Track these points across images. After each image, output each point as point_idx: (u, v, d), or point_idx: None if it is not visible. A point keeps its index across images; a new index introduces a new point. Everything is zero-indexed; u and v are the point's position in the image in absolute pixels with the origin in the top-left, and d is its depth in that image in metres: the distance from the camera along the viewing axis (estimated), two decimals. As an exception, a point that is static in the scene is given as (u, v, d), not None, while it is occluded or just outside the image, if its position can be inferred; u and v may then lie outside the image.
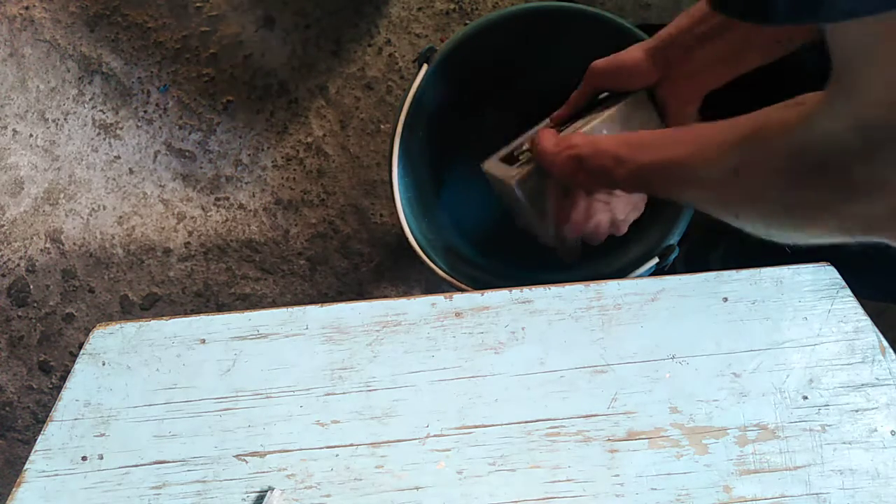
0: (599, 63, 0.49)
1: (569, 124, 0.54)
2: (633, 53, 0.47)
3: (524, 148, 0.56)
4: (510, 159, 0.57)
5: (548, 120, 0.56)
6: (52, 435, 0.44)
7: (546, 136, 0.49)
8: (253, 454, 0.43)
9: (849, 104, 0.26)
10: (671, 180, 0.40)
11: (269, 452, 0.43)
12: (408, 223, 0.62)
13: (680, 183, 0.39)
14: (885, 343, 0.45)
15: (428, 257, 0.61)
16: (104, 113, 1.05)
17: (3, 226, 1.07)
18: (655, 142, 0.42)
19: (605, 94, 0.53)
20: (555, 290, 0.47)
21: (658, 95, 0.49)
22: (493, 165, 0.58)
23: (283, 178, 1.03)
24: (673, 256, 0.58)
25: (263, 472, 0.43)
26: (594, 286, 0.47)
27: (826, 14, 0.21)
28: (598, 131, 0.49)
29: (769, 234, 0.35)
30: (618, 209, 0.50)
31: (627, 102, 0.49)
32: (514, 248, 0.72)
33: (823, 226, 0.30)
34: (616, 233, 0.52)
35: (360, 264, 1.04)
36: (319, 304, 0.48)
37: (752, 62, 0.44)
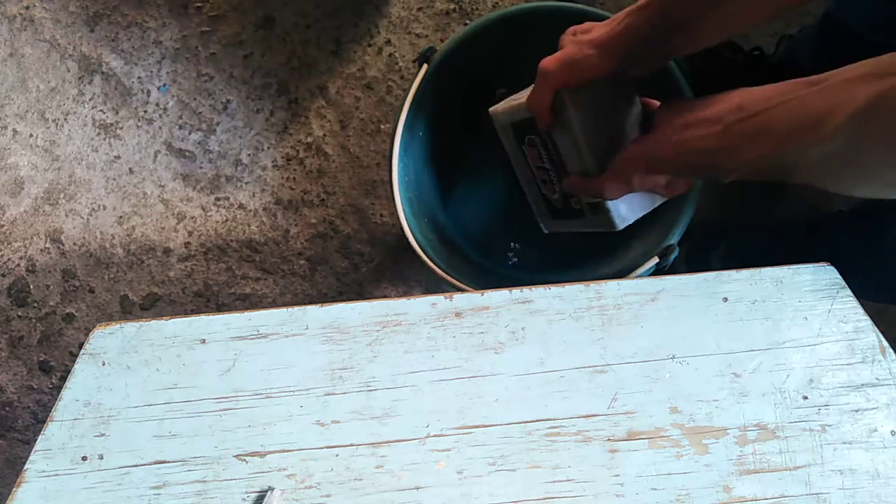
0: (549, 63, 0.47)
1: (548, 155, 0.54)
2: (586, 52, 0.45)
3: (558, 192, 0.56)
4: (559, 213, 0.57)
5: None
6: (52, 435, 0.44)
7: (573, 181, 0.48)
8: (253, 454, 0.43)
9: None
10: (776, 172, 0.37)
11: (269, 452, 0.43)
12: (408, 223, 0.62)
13: (790, 170, 0.36)
14: (885, 343, 0.45)
15: (428, 257, 0.61)
16: (104, 113, 1.05)
17: (3, 226, 1.07)
18: (723, 138, 0.39)
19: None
20: (555, 290, 0.47)
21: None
22: (559, 223, 0.58)
23: (283, 178, 1.03)
24: (673, 256, 0.58)
25: (263, 472, 0.43)
26: (594, 286, 0.47)
27: None
28: (593, 139, 0.48)
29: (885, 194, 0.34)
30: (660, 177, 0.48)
31: (588, 89, 0.47)
32: (514, 248, 0.72)
33: None
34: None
35: (360, 264, 1.04)
36: (319, 304, 0.48)
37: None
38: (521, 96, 0.53)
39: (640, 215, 0.52)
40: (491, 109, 0.57)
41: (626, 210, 0.51)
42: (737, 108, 0.39)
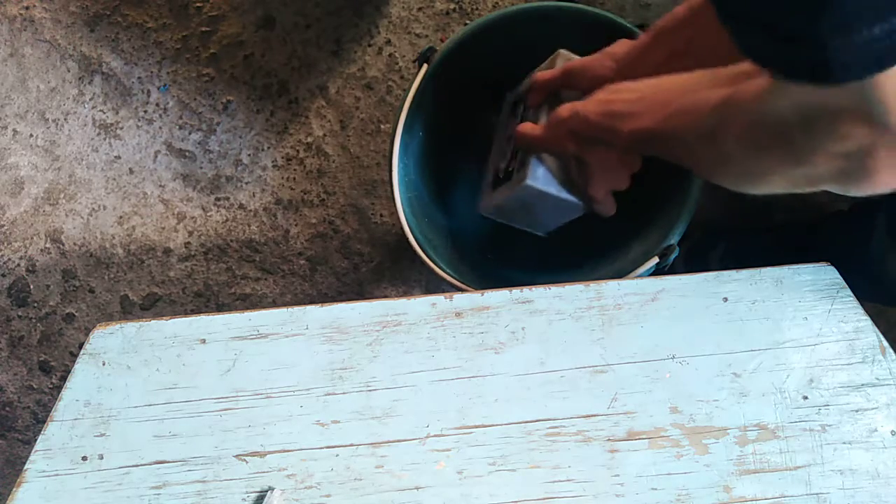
0: (550, 72, 0.52)
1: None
2: (590, 59, 0.50)
3: (507, 159, 0.56)
4: (503, 179, 0.57)
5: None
6: (52, 435, 0.44)
7: (526, 129, 0.51)
8: (253, 454, 0.43)
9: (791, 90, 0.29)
10: (662, 146, 0.41)
11: (270, 452, 0.43)
12: (408, 223, 0.62)
13: (671, 146, 0.41)
14: (885, 343, 0.45)
15: (428, 257, 0.61)
16: (104, 113, 1.05)
17: (3, 226, 1.07)
18: (636, 104, 0.42)
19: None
20: (555, 290, 0.47)
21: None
22: (492, 198, 0.58)
23: (283, 178, 1.03)
24: (673, 256, 0.58)
25: (263, 472, 0.43)
26: (594, 286, 0.47)
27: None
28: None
29: (737, 188, 0.38)
30: (633, 160, 0.50)
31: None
32: (513, 248, 0.72)
33: (777, 184, 0.35)
34: (634, 168, 0.52)
35: (360, 264, 1.04)
36: (319, 304, 0.48)
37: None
38: (512, 182, 0.55)
39: (550, 192, 0.51)
40: (484, 208, 0.60)
41: (543, 175, 0.51)
42: (654, 84, 0.43)
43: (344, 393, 0.45)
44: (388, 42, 0.99)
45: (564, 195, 0.51)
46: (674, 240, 0.59)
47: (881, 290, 0.63)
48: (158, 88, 1.03)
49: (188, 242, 1.05)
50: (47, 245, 1.07)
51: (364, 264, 1.04)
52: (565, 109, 0.47)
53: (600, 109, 0.45)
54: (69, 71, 1.04)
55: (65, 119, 1.05)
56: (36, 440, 0.44)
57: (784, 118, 0.30)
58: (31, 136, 1.05)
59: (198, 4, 1.00)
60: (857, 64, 0.23)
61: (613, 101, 0.44)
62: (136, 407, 0.45)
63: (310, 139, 1.02)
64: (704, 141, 0.37)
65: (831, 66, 0.23)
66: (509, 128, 0.58)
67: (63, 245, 1.07)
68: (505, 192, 0.55)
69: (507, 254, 0.72)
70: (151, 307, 1.07)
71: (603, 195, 0.51)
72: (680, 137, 0.39)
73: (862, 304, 0.46)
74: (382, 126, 1.01)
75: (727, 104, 0.35)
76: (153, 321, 0.48)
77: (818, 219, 0.89)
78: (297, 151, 1.02)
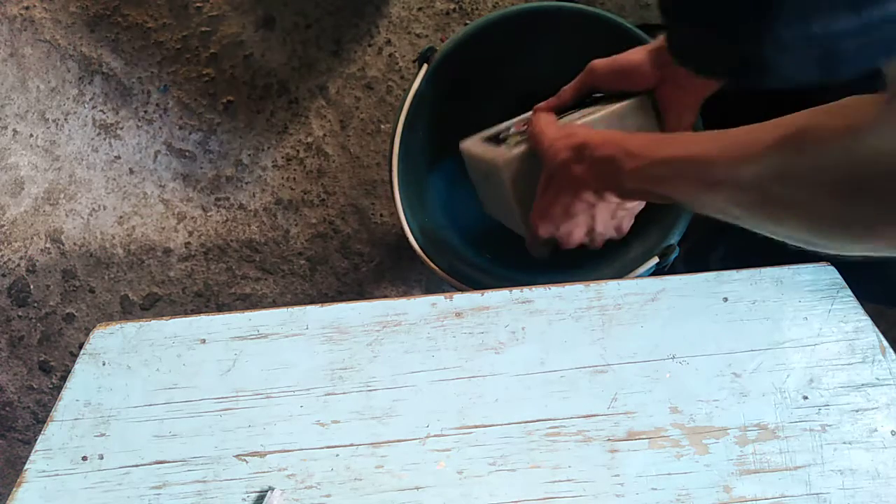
0: (600, 63, 0.48)
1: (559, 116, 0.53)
2: (636, 55, 0.46)
3: (513, 131, 0.54)
4: (495, 140, 0.54)
5: (532, 111, 0.54)
6: (52, 435, 0.44)
7: (545, 119, 0.47)
8: (253, 454, 0.43)
9: None
10: (694, 179, 0.37)
11: (270, 452, 0.43)
12: (408, 223, 0.62)
13: (706, 183, 0.36)
14: (885, 343, 0.45)
15: (428, 257, 0.61)
16: (104, 113, 1.05)
17: (3, 226, 1.07)
18: (674, 139, 0.39)
19: (599, 94, 0.52)
20: (555, 290, 0.47)
21: (658, 99, 0.48)
22: (474, 144, 0.55)
23: (283, 178, 1.03)
24: (673, 256, 0.58)
25: (263, 472, 0.43)
26: (594, 286, 0.47)
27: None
28: (596, 127, 0.47)
29: (813, 245, 0.33)
30: (599, 219, 0.47)
31: (631, 104, 0.48)
32: (513, 248, 0.72)
33: (879, 241, 0.29)
34: (590, 245, 0.50)
35: (360, 264, 1.04)
36: (319, 304, 0.48)
37: None
38: (497, 150, 0.53)
39: (507, 192, 0.50)
40: (463, 146, 0.57)
41: (514, 173, 0.50)
42: (624, 150, 0.41)
43: (344, 393, 0.45)
44: (388, 42, 0.99)
45: (513, 203, 0.50)
46: (674, 240, 0.59)
47: (883, 290, 0.63)
48: (158, 88, 1.03)
49: (188, 242, 1.05)
50: (47, 245, 1.07)
51: (364, 264, 1.04)
52: (581, 132, 0.45)
53: (614, 140, 0.42)
54: (69, 71, 1.04)
55: (65, 119, 1.05)
56: (36, 440, 0.44)
57: (888, 162, 0.25)
58: (32, 136, 1.05)
59: (198, 4, 1.00)
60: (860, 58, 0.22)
61: (628, 138, 0.42)
62: (136, 407, 0.45)
63: (310, 139, 1.02)
64: (765, 181, 0.32)
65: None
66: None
67: (63, 245, 1.07)
68: (484, 150, 0.53)
69: (507, 254, 0.71)
70: (151, 307, 1.07)
71: (547, 234, 0.48)
72: (724, 174, 0.34)
73: (862, 305, 0.46)
74: (382, 126, 1.01)
75: (802, 139, 0.30)
76: (153, 321, 0.48)
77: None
78: (297, 151, 1.02)
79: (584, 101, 0.52)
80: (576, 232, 0.47)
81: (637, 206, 0.49)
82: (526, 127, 0.52)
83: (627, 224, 0.50)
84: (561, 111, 0.52)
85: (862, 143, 0.26)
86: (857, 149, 0.27)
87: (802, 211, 0.31)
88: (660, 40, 0.45)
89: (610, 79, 0.48)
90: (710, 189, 0.36)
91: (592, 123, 0.47)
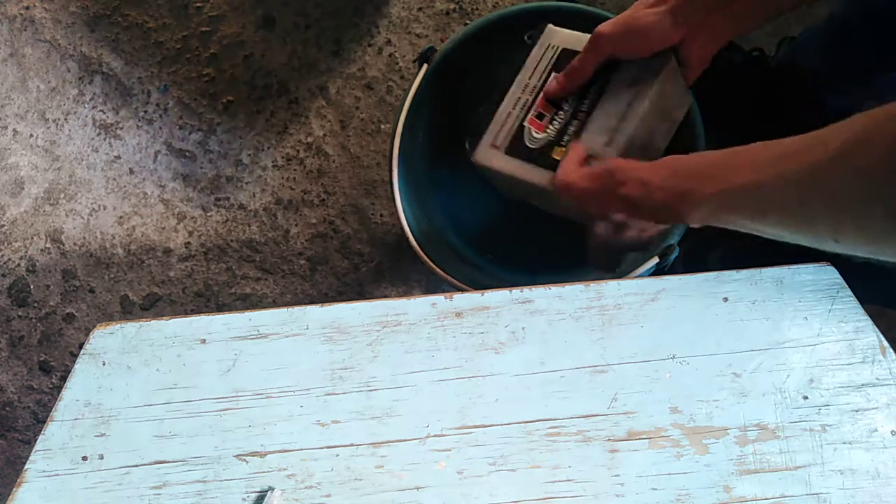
0: (608, 27, 0.44)
1: (573, 110, 0.49)
2: (646, 17, 0.43)
3: (533, 132, 0.50)
4: (523, 152, 0.50)
5: (541, 94, 0.51)
6: (52, 435, 0.44)
7: (572, 172, 0.44)
8: (253, 454, 0.43)
9: None
10: (758, 206, 0.34)
11: (270, 452, 0.43)
12: (408, 223, 0.62)
13: (769, 208, 0.34)
14: (885, 343, 0.45)
15: (428, 257, 0.61)
16: (104, 113, 1.05)
17: (3, 226, 1.07)
18: (717, 165, 0.37)
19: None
20: (555, 290, 0.47)
21: (683, 56, 0.45)
22: (496, 158, 0.51)
23: (283, 178, 1.03)
24: (673, 256, 0.58)
25: (264, 472, 0.43)
26: (594, 286, 0.47)
27: None
28: (639, 133, 0.45)
29: (879, 253, 0.31)
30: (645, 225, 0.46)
31: (660, 80, 0.45)
32: (513, 248, 0.72)
33: None
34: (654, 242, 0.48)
35: (360, 264, 1.04)
36: (319, 304, 0.48)
37: (779, 10, 0.41)
38: (586, 35, 0.49)
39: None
40: (550, 26, 0.51)
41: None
42: (676, 195, 0.39)
43: (344, 393, 0.45)
44: (388, 42, 0.99)
45: (572, 215, 0.49)
46: (674, 240, 0.59)
47: (883, 291, 0.63)
48: (158, 88, 1.03)
49: (188, 242, 1.05)
50: (47, 245, 1.07)
51: (364, 264, 1.04)
52: (614, 164, 0.42)
53: (667, 176, 0.39)
54: (69, 71, 1.04)
55: (65, 119, 1.05)
56: (36, 440, 0.44)
57: None
58: (32, 136, 1.05)
59: (198, 4, 1.00)
60: None
61: (679, 169, 0.39)
62: (136, 407, 0.45)
63: (310, 139, 1.02)
64: (827, 189, 0.30)
65: None
66: (540, 77, 0.51)
67: (63, 245, 1.07)
68: (523, 171, 0.49)
69: (507, 254, 0.71)
70: (151, 307, 1.07)
71: (616, 256, 0.48)
72: (790, 195, 0.32)
73: (862, 305, 0.46)
74: (382, 126, 1.01)
75: (870, 128, 0.28)
76: (153, 321, 0.48)
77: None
78: (297, 151, 1.02)
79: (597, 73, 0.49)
80: (637, 240, 0.47)
81: None
82: (544, 121, 0.49)
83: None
84: (566, 109, 0.50)
85: None
86: None
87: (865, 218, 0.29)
88: None
89: (624, 43, 0.44)
90: (774, 213, 0.34)
91: (632, 138, 0.45)
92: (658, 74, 0.45)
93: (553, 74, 0.51)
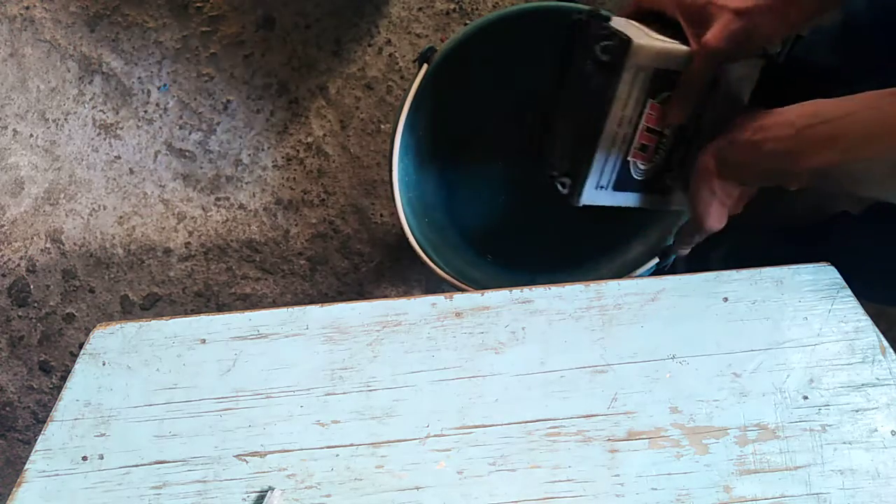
0: (717, 41, 0.42)
1: (675, 133, 0.49)
2: (760, 19, 0.41)
3: (646, 167, 0.50)
4: (629, 184, 0.51)
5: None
6: (52, 435, 0.44)
7: (709, 200, 0.45)
8: (253, 454, 0.43)
9: None
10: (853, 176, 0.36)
11: (270, 452, 0.43)
12: (408, 223, 0.62)
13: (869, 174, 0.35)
14: (886, 343, 0.45)
15: (428, 257, 0.61)
16: (104, 113, 1.05)
17: (3, 226, 1.07)
18: (801, 138, 0.38)
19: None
20: (555, 290, 0.47)
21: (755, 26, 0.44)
22: (611, 198, 0.52)
23: (283, 178, 1.03)
24: (673, 256, 0.58)
25: (264, 472, 0.43)
26: (594, 286, 0.47)
27: None
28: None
29: None
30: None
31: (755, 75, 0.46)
32: (513, 248, 0.72)
33: None
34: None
35: (360, 264, 1.04)
36: (319, 304, 0.48)
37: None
38: (674, 44, 0.46)
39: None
40: (636, 42, 0.46)
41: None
42: (811, 114, 0.38)
43: (344, 393, 0.45)
44: (388, 42, 0.99)
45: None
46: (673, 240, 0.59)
47: (883, 290, 0.62)
48: (158, 88, 1.03)
49: (188, 242, 1.05)
50: (47, 245, 1.07)
51: (364, 264, 1.04)
52: (708, 154, 0.43)
53: (751, 152, 0.40)
54: (69, 71, 1.04)
55: (65, 119, 1.05)
56: (36, 440, 0.44)
57: None
58: (32, 136, 1.05)
59: (198, 4, 1.00)
60: None
61: (762, 142, 0.40)
62: (136, 407, 0.45)
63: (310, 139, 1.02)
64: None
65: None
66: (635, 108, 0.49)
67: (63, 245, 1.07)
68: (648, 202, 0.52)
69: (507, 254, 0.72)
70: (151, 307, 1.07)
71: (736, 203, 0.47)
72: (872, 169, 0.33)
73: (862, 305, 0.46)
74: (382, 126, 1.01)
75: None
76: (153, 321, 0.48)
77: (821, 221, 0.89)
78: (298, 151, 1.02)
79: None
80: (724, 191, 0.46)
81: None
82: (648, 152, 0.50)
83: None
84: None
85: None
86: None
87: None
88: None
89: (738, 52, 0.43)
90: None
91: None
92: (756, 68, 0.46)
93: (650, 102, 0.48)
